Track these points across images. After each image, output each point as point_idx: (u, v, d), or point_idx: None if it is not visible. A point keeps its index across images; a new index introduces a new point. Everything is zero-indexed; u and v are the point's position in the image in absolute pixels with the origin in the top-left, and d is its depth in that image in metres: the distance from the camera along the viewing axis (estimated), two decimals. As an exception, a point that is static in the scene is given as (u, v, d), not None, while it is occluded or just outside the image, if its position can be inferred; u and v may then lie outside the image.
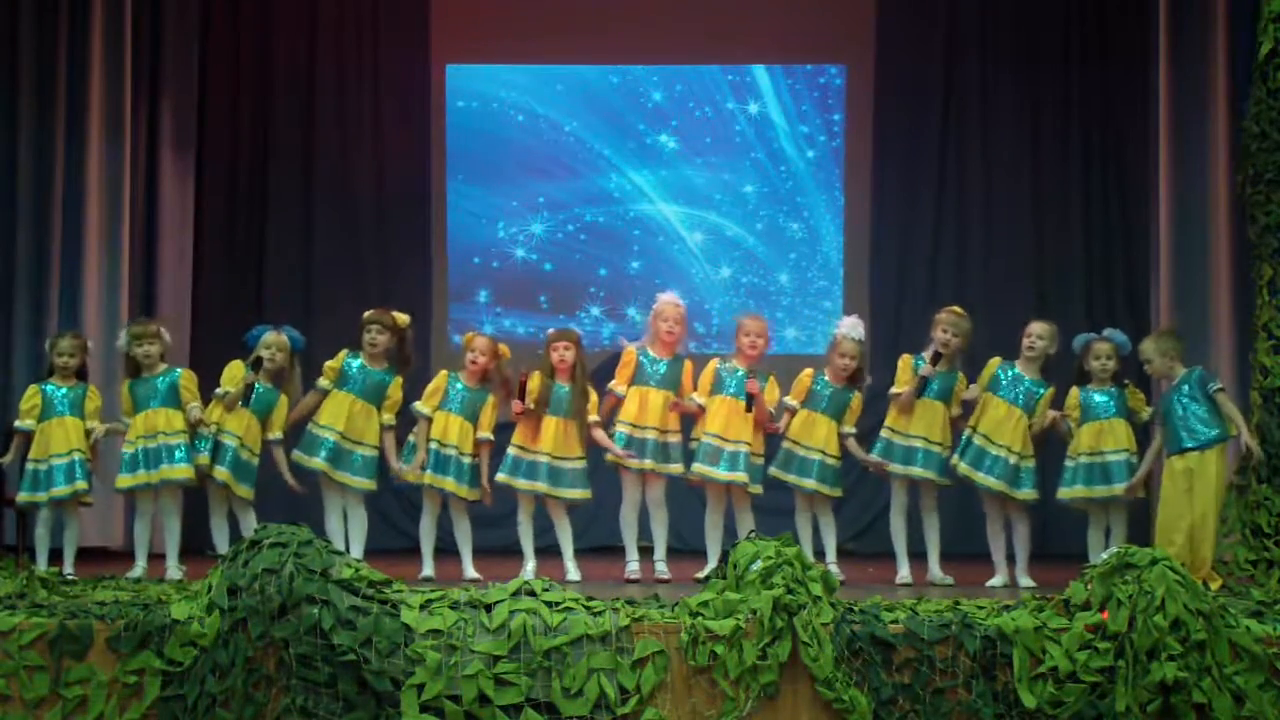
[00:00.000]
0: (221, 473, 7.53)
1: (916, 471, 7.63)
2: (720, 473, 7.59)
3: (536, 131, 11.01)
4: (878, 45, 10.75)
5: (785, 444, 7.72)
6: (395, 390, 7.76)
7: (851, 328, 7.78)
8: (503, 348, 7.83)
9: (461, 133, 11.00)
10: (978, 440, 7.56)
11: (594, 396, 7.73)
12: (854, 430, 7.77)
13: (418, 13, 10.83)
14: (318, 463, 7.61)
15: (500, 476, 7.62)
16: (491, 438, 7.70)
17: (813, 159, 10.97)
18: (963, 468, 7.57)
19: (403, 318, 7.85)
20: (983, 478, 7.52)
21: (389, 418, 7.74)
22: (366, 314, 7.84)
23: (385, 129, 10.85)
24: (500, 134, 11.01)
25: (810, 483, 7.61)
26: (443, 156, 10.97)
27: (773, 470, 7.71)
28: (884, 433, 7.73)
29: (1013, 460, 7.50)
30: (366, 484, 7.69)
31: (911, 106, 10.71)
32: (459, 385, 7.70)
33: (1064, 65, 10.56)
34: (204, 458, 7.54)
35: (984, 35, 10.70)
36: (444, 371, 7.81)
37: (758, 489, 7.67)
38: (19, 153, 9.29)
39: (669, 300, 7.86)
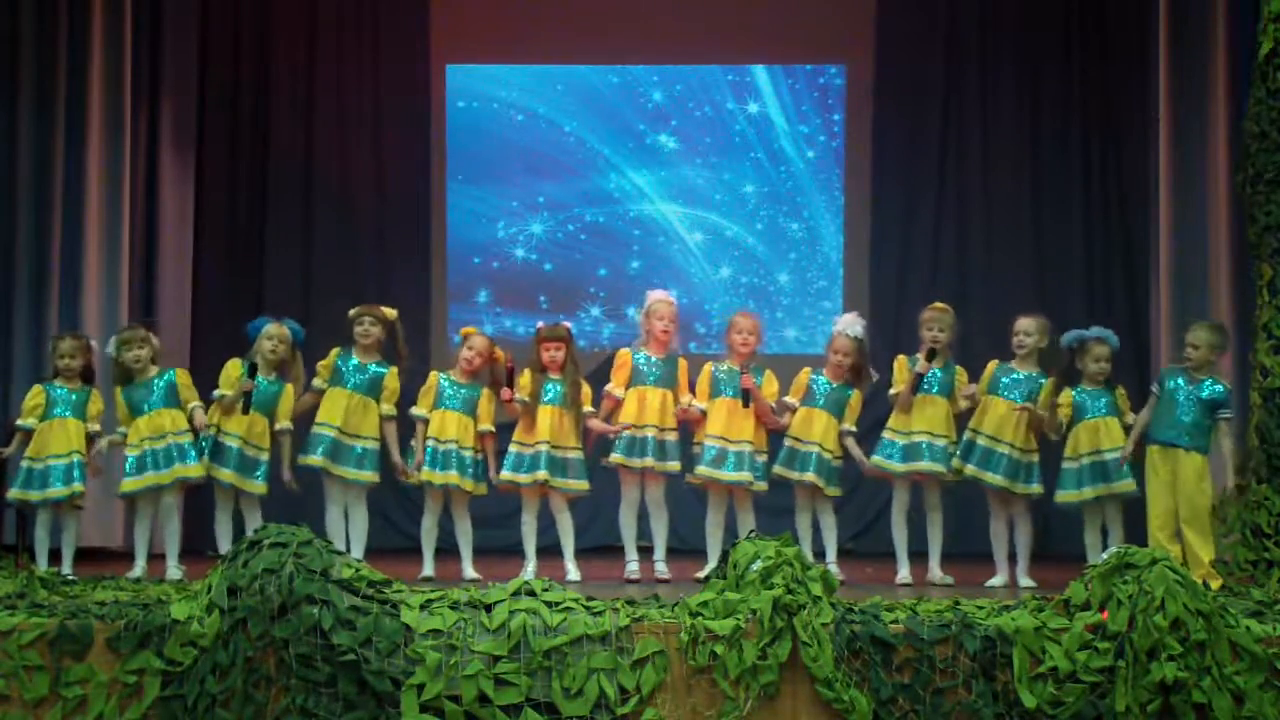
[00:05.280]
0: (226, 474, 7.55)
1: (923, 466, 7.62)
2: (726, 474, 7.60)
3: (536, 131, 11.01)
4: (878, 45, 10.75)
5: (787, 441, 7.74)
6: (392, 380, 7.77)
7: (849, 325, 7.80)
8: (500, 353, 7.82)
9: (461, 133, 11.00)
10: (982, 441, 7.59)
11: (588, 389, 7.74)
12: (854, 429, 7.77)
13: (418, 13, 10.84)
14: (315, 459, 7.62)
15: (504, 475, 7.62)
16: (493, 429, 7.72)
17: (813, 159, 10.97)
18: (970, 469, 7.59)
19: (390, 311, 7.86)
20: (992, 476, 7.54)
21: (388, 408, 7.75)
22: (354, 309, 7.85)
23: (385, 129, 10.85)
24: (500, 134, 11.01)
25: (809, 475, 7.60)
26: (443, 156, 10.97)
27: (776, 468, 7.71)
28: (886, 434, 7.72)
29: (1017, 456, 7.55)
30: (368, 476, 7.68)
31: (911, 106, 10.71)
32: (452, 382, 7.72)
33: (1064, 65, 10.56)
34: (205, 462, 7.54)
35: (984, 35, 10.70)
36: (434, 371, 7.82)
37: (763, 486, 7.68)
38: (19, 153, 9.28)
39: (661, 298, 7.84)
